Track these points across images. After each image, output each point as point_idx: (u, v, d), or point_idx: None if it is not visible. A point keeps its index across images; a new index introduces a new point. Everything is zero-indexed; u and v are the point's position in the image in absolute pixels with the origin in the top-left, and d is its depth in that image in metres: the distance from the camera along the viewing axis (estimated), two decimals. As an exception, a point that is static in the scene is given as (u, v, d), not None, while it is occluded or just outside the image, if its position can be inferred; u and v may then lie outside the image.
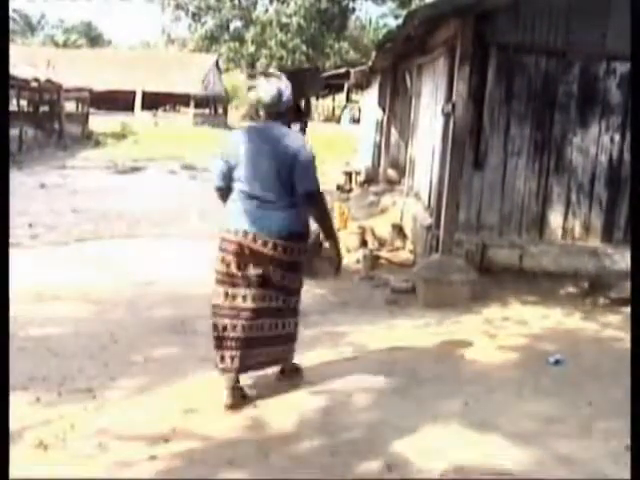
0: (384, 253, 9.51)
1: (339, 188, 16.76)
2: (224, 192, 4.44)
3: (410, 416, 4.37)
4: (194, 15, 58.33)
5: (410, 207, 10.25)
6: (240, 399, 4.45)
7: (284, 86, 4.35)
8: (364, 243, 9.82)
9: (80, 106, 33.54)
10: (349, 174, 17.54)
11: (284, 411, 4.39)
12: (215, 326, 4.47)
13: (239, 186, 4.33)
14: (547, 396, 4.83)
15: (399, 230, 10.15)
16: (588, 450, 4.02)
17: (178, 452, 3.81)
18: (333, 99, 52.46)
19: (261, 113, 4.37)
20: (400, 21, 10.02)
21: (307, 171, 4.27)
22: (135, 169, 20.71)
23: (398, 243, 9.98)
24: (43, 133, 26.74)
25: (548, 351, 5.74)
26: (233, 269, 4.39)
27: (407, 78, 12.84)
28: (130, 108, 43.30)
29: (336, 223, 10.39)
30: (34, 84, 25.41)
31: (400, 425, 4.22)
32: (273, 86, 4.32)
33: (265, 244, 4.32)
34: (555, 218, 7.96)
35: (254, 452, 3.85)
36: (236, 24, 58.24)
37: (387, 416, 4.37)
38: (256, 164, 4.26)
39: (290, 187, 4.27)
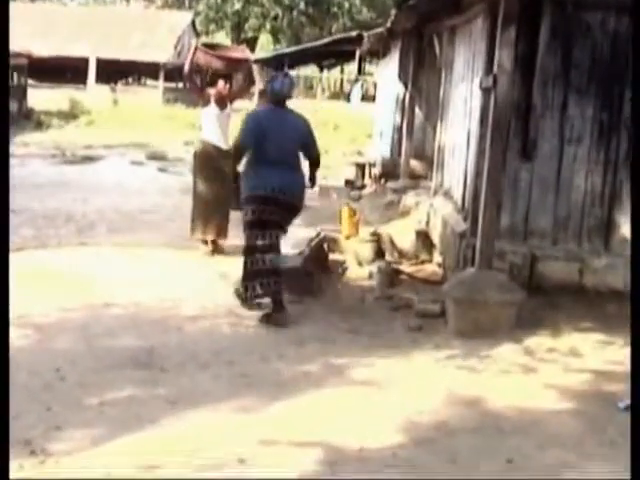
0: (406, 267, 9.48)
1: (348, 184, 16.76)
2: (245, 151, 7.52)
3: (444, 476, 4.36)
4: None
5: (439, 209, 10.23)
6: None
7: (293, 80, 7.59)
8: (380, 254, 9.80)
9: (16, 76, 33.53)
10: (361, 166, 17.55)
11: None
12: (251, 263, 7.48)
13: (263, 153, 7.38)
14: (617, 453, 4.81)
15: (425, 238, 10.13)
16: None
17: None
18: (342, 71, 52.63)
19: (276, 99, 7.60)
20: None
21: (315, 143, 7.81)
22: (88, 158, 20.75)
23: (423, 254, 9.94)
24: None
25: (613, 393, 5.72)
26: (264, 216, 7.41)
27: (436, 44, 12.82)
28: (81, 80, 43.29)
29: (344, 228, 10.41)
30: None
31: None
32: (289, 80, 7.66)
33: (286, 194, 7.44)
34: (625, 223, 7.93)
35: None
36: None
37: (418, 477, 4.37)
38: (281, 137, 7.43)
39: (299, 153, 7.67)
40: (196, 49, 9.93)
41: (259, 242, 7.44)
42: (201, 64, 10.14)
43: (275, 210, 7.44)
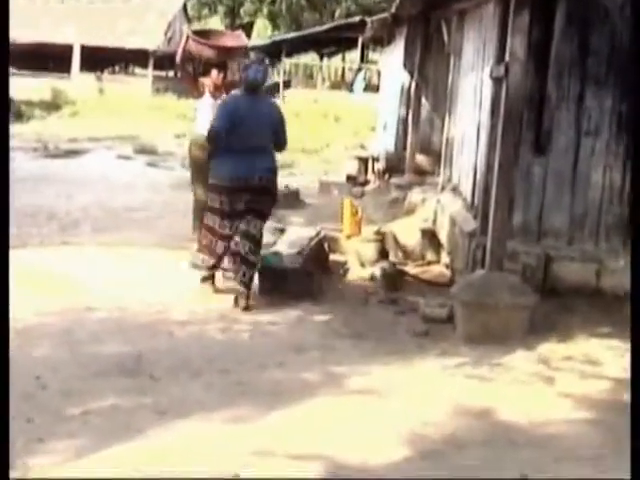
0: (411, 268, 9.50)
1: (350, 179, 16.78)
2: (220, 138, 8.02)
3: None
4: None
5: (447, 206, 10.23)
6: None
7: (268, 67, 8.04)
8: (384, 254, 9.81)
9: (-4, 65, 33.69)
10: (364, 161, 17.56)
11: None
12: (224, 247, 8.23)
13: (236, 139, 7.91)
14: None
15: (431, 237, 10.14)
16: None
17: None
18: (343, 59, 52.58)
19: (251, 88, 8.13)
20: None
21: (285, 131, 8.41)
22: (72, 152, 20.77)
23: (430, 255, 9.97)
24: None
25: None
26: (237, 206, 8.03)
27: (444, 30, 12.83)
28: (65, 68, 43.32)
29: (346, 227, 10.41)
30: None
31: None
32: (264, 68, 8.21)
33: (261, 180, 8.08)
34: (645, 221, 7.95)
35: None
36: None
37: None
38: (255, 123, 8.02)
39: (272, 138, 8.26)
40: (188, 38, 9.94)
41: (231, 230, 8.10)
42: (194, 53, 10.13)
43: (250, 198, 8.04)
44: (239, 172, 8.02)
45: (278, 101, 36.60)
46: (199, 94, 10.05)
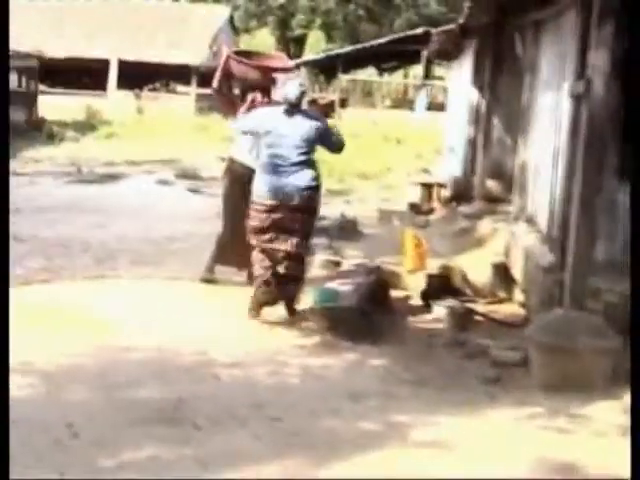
0: (481, 306, 9.46)
1: (413, 208, 16.74)
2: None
3: None
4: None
5: (521, 238, 10.19)
6: None
7: (305, 87, 8.98)
8: (450, 291, 9.77)
9: (24, 81, 33.99)
10: (428, 187, 17.53)
11: None
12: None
13: (274, 156, 8.71)
14: None
15: (504, 272, 10.09)
16: None
17: None
18: (405, 74, 52.78)
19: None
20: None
21: (330, 132, 9.11)
22: (108, 177, 20.95)
23: (502, 292, 9.93)
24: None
25: None
26: (278, 223, 8.67)
27: (517, 43, 12.83)
28: (101, 85, 43.89)
29: (408, 260, 10.38)
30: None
31: None
32: (301, 84, 8.89)
33: (299, 197, 8.68)
34: None
35: None
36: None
37: None
38: (295, 138, 8.67)
39: (314, 149, 8.90)
40: (228, 57, 9.97)
41: (273, 249, 8.75)
42: (234, 74, 10.17)
43: (291, 216, 8.69)
44: (277, 189, 8.67)
45: (334, 121, 36.92)
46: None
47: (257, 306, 8.82)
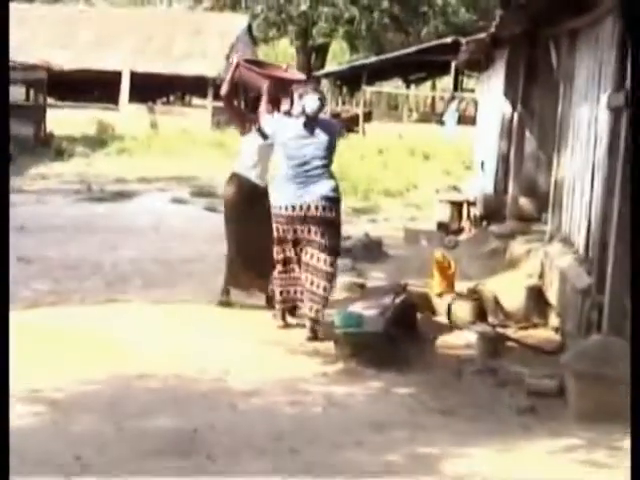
0: (514, 331, 9.42)
1: (441, 227, 16.74)
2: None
3: None
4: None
5: (556, 259, 10.16)
6: None
7: (324, 98, 9.54)
8: (481, 316, 9.76)
9: (32, 93, 34.05)
10: (458, 205, 17.50)
11: None
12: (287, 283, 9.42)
13: (292, 167, 9.10)
14: None
15: (538, 295, 10.06)
16: None
17: None
18: (433, 86, 52.78)
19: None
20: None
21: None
22: (120, 195, 20.96)
23: (536, 316, 9.89)
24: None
25: None
26: (299, 235, 9.12)
27: (552, 52, 12.81)
28: (112, 98, 43.99)
29: (436, 283, 10.38)
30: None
31: None
32: (320, 96, 9.31)
33: (316, 208, 9.04)
34: None
35: None
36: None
37: None
38: (314, 149, 9.08)
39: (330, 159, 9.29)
40: (238, 65, 10.01)
41: (297, 264, 9.25)
42: (245, 82, 10.23)
43: (310, 228, 9.09)
44: (294, 200, 9.09)
45: (358, 136, 36.87)
46: (245, 130, 10.12)
47: (282, 313, 9.42)
